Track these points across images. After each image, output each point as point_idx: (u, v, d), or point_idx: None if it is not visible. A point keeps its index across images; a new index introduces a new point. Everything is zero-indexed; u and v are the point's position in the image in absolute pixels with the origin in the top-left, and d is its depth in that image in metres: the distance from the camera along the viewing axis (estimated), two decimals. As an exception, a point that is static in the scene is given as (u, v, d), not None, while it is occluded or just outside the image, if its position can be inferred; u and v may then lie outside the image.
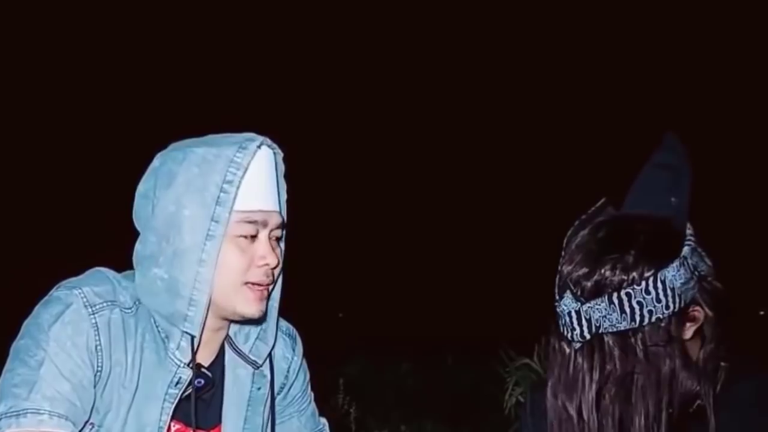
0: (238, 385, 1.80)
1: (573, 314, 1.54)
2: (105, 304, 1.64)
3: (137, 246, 1.73)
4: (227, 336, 1.80)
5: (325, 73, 6.60)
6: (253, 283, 1.70)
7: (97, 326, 1.62)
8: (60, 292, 1.65)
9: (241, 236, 1.68)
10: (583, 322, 1.53)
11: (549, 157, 6.37)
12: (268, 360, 1.83)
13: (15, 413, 1.54)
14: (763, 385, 1.58)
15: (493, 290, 6.06)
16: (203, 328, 1.69)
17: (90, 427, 1.63)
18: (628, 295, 1.51)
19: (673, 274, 1.53)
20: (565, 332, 1.56)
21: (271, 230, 1.72)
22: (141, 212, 1.72)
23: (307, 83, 6.41)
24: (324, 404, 1.98)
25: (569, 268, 1.57)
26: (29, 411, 1.54)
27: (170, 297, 1.66)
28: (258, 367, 1.81)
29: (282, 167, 1.78)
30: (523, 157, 6.47)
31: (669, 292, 1.53)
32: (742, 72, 6.60)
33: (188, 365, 1.69)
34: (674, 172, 1.65)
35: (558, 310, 1.57)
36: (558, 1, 6.75)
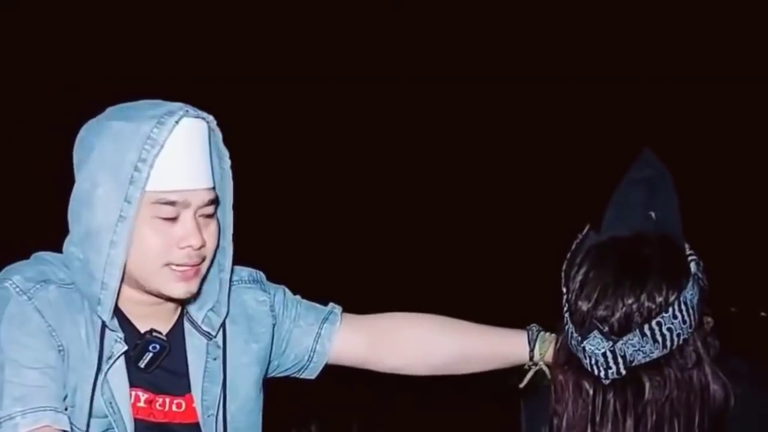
0: (195, 354, 1.73)
1: (608, 354, 1.50)
2: (38, 286, 1.61)
3: None
4: (182, 304, 1.73)
5: (326, 73, 6.60)
6: (176, 265, 1.62)
7: (38, 309, 1.58)
8: None
9: (157, 217, 1.59)
10: (619, 359, 1.50)
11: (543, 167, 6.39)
12: (221, 331, 1.75)
13: None
14: None
15: (497, 284, 6.06)
16: (115, 304, 1.62)
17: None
18: (658, 324, 1.50)
19: (691, 293, 1.53)
20: (598, 371, 1.52)
21: (198, 208, 1.62)
22: None
23: (308, 84, 6.41)
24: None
25: (588, 305, 1.53)
26: (2, 420, 1.52)
27: (86, 278, 1.61)
28: (211, 338, 1.74)
29: (218, 136, 1.67)
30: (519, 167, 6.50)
31: (691, 311, 1.52)
32: (740, 71, 6.60)
33: (121, 339, 1.63)
34: (650, 185, 1.64)
35: (585, 349, 1.52)
36: (556, 1, 6.76)
